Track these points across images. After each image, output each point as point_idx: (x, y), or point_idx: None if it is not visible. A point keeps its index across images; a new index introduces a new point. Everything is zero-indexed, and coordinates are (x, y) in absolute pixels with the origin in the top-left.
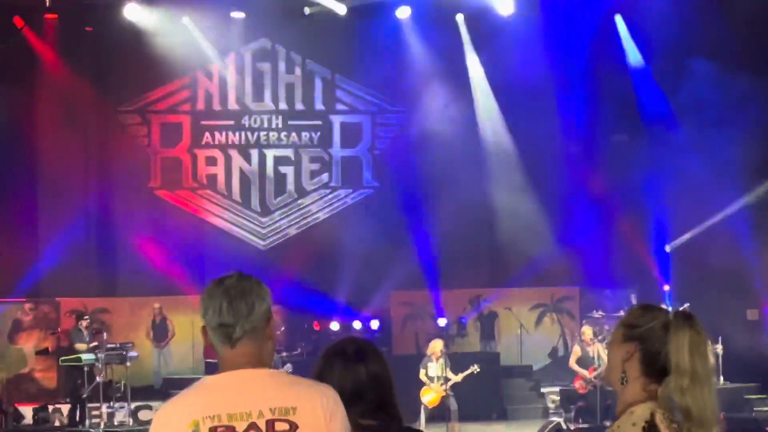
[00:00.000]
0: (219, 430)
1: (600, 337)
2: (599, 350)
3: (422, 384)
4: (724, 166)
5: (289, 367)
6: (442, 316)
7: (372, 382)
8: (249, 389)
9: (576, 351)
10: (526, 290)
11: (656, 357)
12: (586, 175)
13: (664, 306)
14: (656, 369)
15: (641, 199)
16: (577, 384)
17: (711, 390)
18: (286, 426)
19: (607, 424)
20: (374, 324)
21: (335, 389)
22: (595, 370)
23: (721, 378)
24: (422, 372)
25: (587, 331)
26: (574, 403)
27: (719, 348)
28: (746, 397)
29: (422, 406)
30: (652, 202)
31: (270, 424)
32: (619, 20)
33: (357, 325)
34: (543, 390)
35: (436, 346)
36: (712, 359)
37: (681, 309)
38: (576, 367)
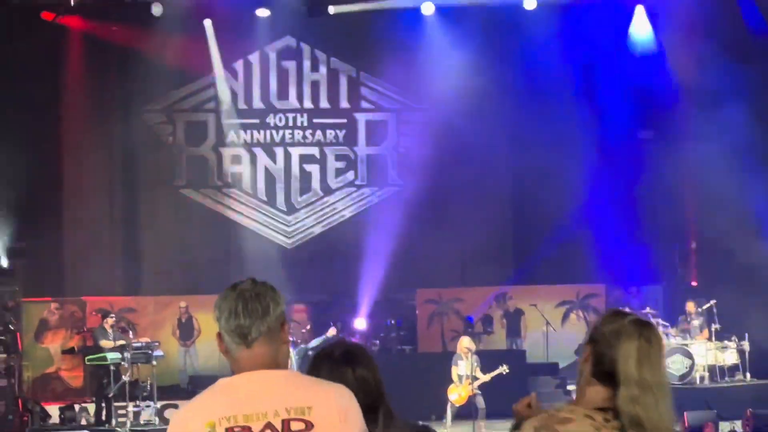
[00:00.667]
0: (235, 430)
1: None
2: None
3: (449, 381)
4: (748, 158)
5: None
6: (467, 315)
7: (359, 385)
8: (265, 390)
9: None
10: (551, 287)
11: (602, 359)
12: (612, 171)
13: (637, 314)
14: (603, 372)
15: (667, 195)
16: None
17: (664, 400)
18: (302, 425)
19: None
20: (396, 322)
21: None
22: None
23: (748, 375)
24: (454, 369)
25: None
26: None
27: (746, 344)
28: None
29: (449, 404)
30: (678, 198)
31: (286, 423)
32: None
33: (383, 322)
34: (569, 387)
35: (463, 342)
36: (665, 369)
37: (640, 317)
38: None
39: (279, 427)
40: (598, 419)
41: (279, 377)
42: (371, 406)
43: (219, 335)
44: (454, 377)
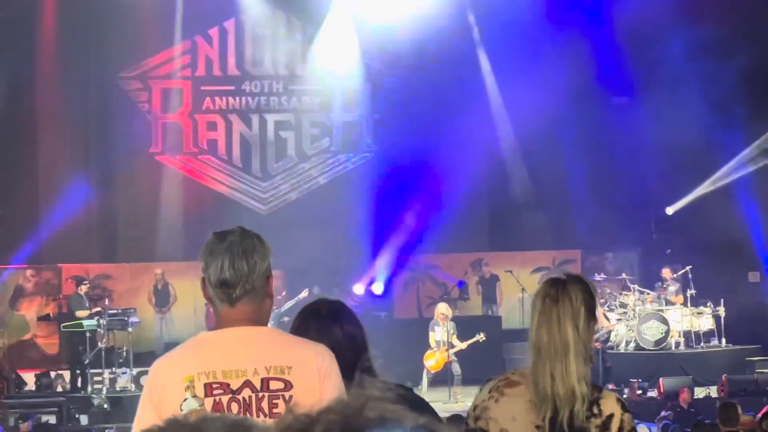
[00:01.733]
0: (214, 386)
1: (601, 300)
2: (599, 313)
3: (425, 348)
4: (726, 122)
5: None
6: (451, 279)
7: (347, 342)
8: (245, 347)
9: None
10: (527, 253)
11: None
12: (587, 137)
13: (567, 273)
14: None
15: (643, 160)
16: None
17: (561, 361)
18: (281, 384)
19: (610, 387)
20: (377, 288)
21: None
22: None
23: (723, 340)
24: (431, 335)
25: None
26: None
27: (721, 310)
28: (747, 359)
29: (425, 370)
30: (654, 164)
31: (265, 382)
32: None
33: (359, 289)
34: None
35: (440, 309)
36: (571, 335)
37: (561, 275)
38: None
39: (258, 385)
40: None
41: (260, 334)
42: (357, 363)
43: (203, 281)
44: (432, 343)
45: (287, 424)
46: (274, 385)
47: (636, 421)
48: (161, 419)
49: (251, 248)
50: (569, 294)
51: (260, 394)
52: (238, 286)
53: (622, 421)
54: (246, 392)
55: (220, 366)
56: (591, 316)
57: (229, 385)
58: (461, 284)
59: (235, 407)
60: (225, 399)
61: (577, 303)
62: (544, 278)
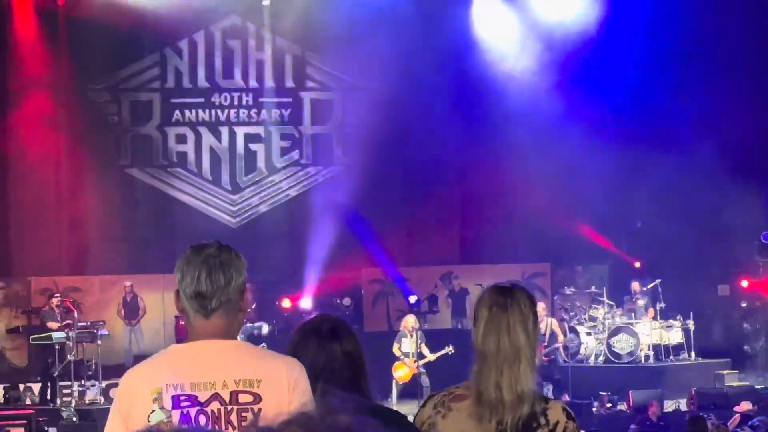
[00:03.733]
0: (181, 398)
1: (572, 314)
2: (551, 325)
3: (394, 360)
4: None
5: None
6: (412, 293)
7: (346, 360)
8: (214, 360)
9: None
10: (497, 266)
11: (474, 336)
12: (558, 149)
13: (513, 287)
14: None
15: (613, 174)
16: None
17: (509, 369)
18: (250, 398)
19: (566, 398)
20: (347, 301)
21: (308, 366)
22: (545, 347)
23: (693, 353)
24: (396, 346)
25: (539, 306)
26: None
27: (690, 324)
28: (717, 372)
29: (394, 382)
30: (624, 178)
31: (234, 395)
32: None
33: (328, 302)
34: None
35: (409, 321)
36: (522, 341)
37: (506, 283)
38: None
39: (227, 398)
40: None
41: (230, 347)
42: (355, 381)
43: (177, 294)
44: (397, 353)
45: None
46: (243, 398)
47: None
48: (129, 430)
49: (228, 261)
50: (518, 301)
51: (229, 407)
52: (214, 297)
53: (565, 428)
54: (214, 405)
55: (188, 378)
56: (536, 323)
57: (197, 397)
58: (417, 303)
59: (203, 420)
60: (193, 411)
61: (526, 309)
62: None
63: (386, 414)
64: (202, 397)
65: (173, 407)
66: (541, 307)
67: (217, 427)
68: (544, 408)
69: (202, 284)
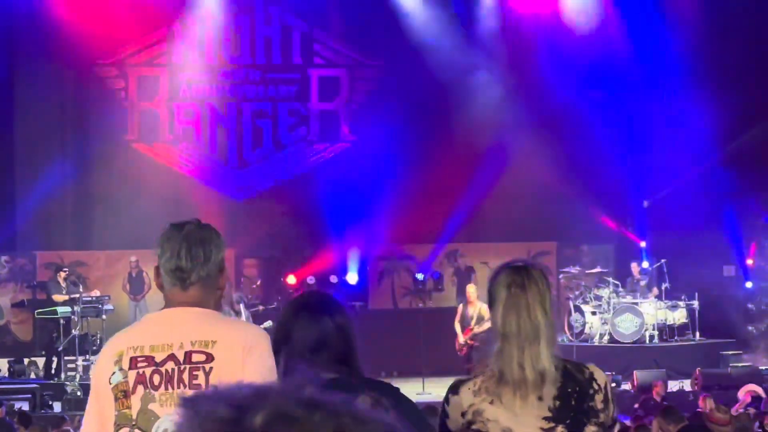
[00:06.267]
0: (139, 359)
1: (576, 293)
2: (481, 310)
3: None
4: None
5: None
6: (419, 271)
7: (338, 334)
8: (176, 323)
9: (459, 310)
10: (502, 245)
11: (493, 318)
12: (563, 129)
13: (522, 260)
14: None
15: (619, 153)
16: (457, 346)
17: (530, 349)
18: (203, 357)
19: None
20: (352, 278)
21: (300, 341)
22: (471, 331)
23: (698, 334)
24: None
25: (470, 289)
26: None
27: (695, 304)
28: (722, 353)
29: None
30: (631, 157)
31: (188, 355)
32: None
33: (333, 279)
34: None
35: (469, 290)
36: (541, 319)
37: (520, 262)
38: (457, 328)
39: (181, 358)
40: None
41: (194, 313)
42: (345, 355)
43: (157, 269)
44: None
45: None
46: (196, 357)
47: None
48: (97, 393)
49: (208, 238)
50: (535, 280)
51: (182, 366)
52: (193, 273)
53: (611, 388)
54: (169, 365)
55: (149, 341)
56: (552, 301)
57: (154, 358)
58: (437, 275)
59: (157, 379)
60: (148, 371)
61: (543, 287)
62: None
63: (380, 387)
64: (159, 357)
65: (130, 368)
66: (473, 288)
67: (169, 385)
68: (590, 374)
69: (181, 259)
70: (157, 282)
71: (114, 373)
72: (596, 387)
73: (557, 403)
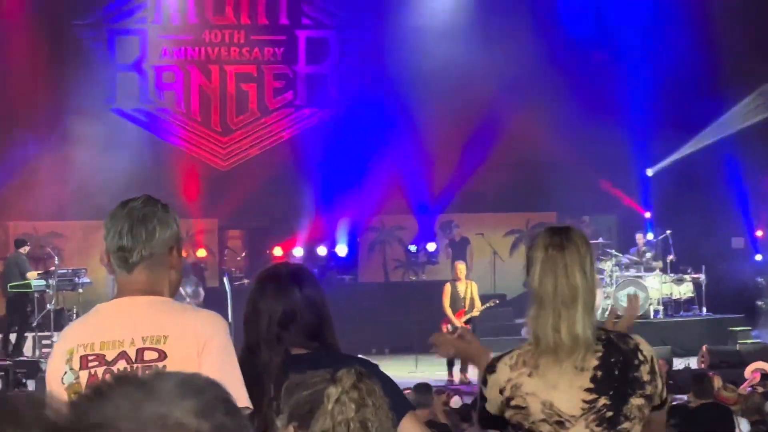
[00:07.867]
0: (89, 358)
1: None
2: (472, 291)
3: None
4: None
5: None
6: (412, 243)
7: (306, 305)
8: (126, 317)
9: (446, 290)
10: (499, 215)
11: (530, 282)
12: (564, 95)
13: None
14: None
15: (622, 121)
16: (445, 331)
17: (568, 312)
18: (155, 355)
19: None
20: (341, 250)
21: (267, 312)
22: (465, 313)
23: (704, 309)
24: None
25: (460, 266)
26: None
27: (702, 278)
28: (730, 329)
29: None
30: (634, 125)
31: (140, 352)
32: None
33: (322, 251)
34: (517, 320)
35: (459, 267)
36: (580, 282)
37: (559, 224)
38: (447, 310)
39: (133, 356)
40: None
41: (144, 303)
42: (316, 329)
43: (107, 250)
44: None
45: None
46: (149, 355)
47: None
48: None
49: (151, 214)
50: (574, 241)
51: (135, 366)
52: (135, 251)
53: (656, 360)
54: (121, 364)
55: (99, 337)
56: (593, 264)
57: (104, 356)
58: (417, 253)
59: None
60: (100, 371)
61: (583, 249)
62: (519, 242)
63: (353, 363)
64: (110, 356)
65: (80, 368)
66: (463, 266)
67: None
68: (636, 344)
69: (123, 238)
70: (108, 267)
71: (66, 372)
72: (642, 358)
73: (599, 373)
